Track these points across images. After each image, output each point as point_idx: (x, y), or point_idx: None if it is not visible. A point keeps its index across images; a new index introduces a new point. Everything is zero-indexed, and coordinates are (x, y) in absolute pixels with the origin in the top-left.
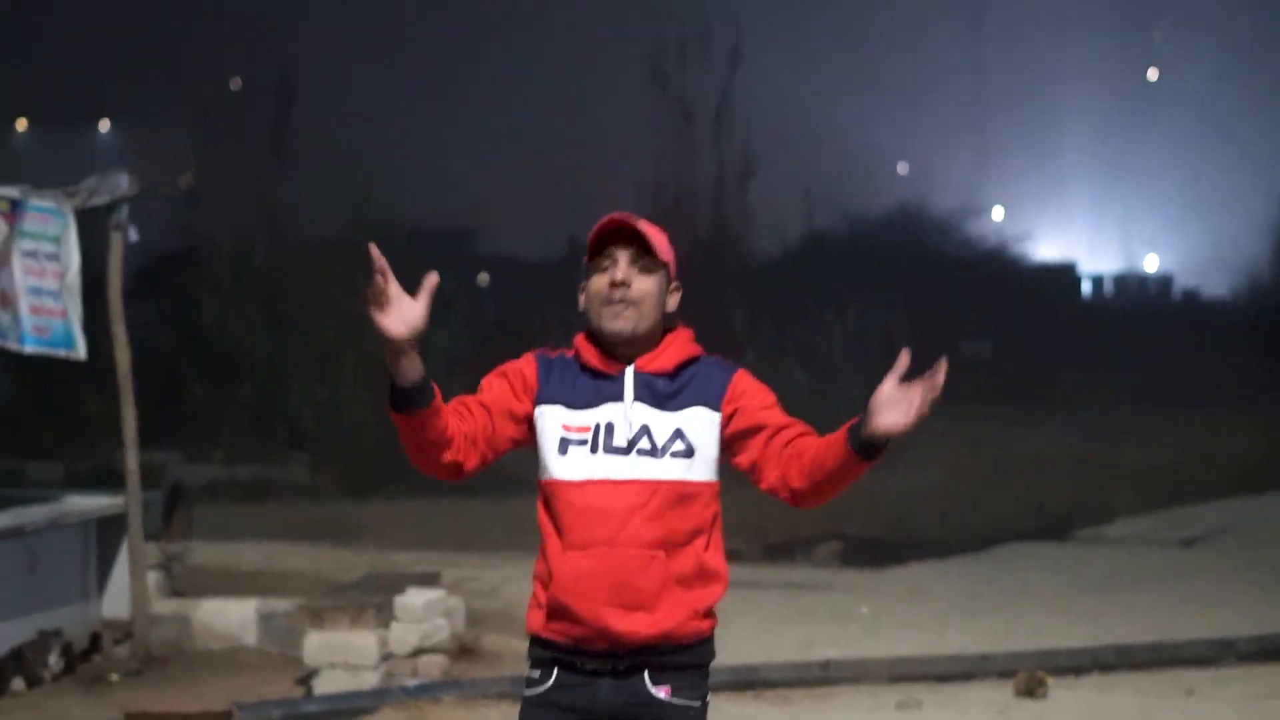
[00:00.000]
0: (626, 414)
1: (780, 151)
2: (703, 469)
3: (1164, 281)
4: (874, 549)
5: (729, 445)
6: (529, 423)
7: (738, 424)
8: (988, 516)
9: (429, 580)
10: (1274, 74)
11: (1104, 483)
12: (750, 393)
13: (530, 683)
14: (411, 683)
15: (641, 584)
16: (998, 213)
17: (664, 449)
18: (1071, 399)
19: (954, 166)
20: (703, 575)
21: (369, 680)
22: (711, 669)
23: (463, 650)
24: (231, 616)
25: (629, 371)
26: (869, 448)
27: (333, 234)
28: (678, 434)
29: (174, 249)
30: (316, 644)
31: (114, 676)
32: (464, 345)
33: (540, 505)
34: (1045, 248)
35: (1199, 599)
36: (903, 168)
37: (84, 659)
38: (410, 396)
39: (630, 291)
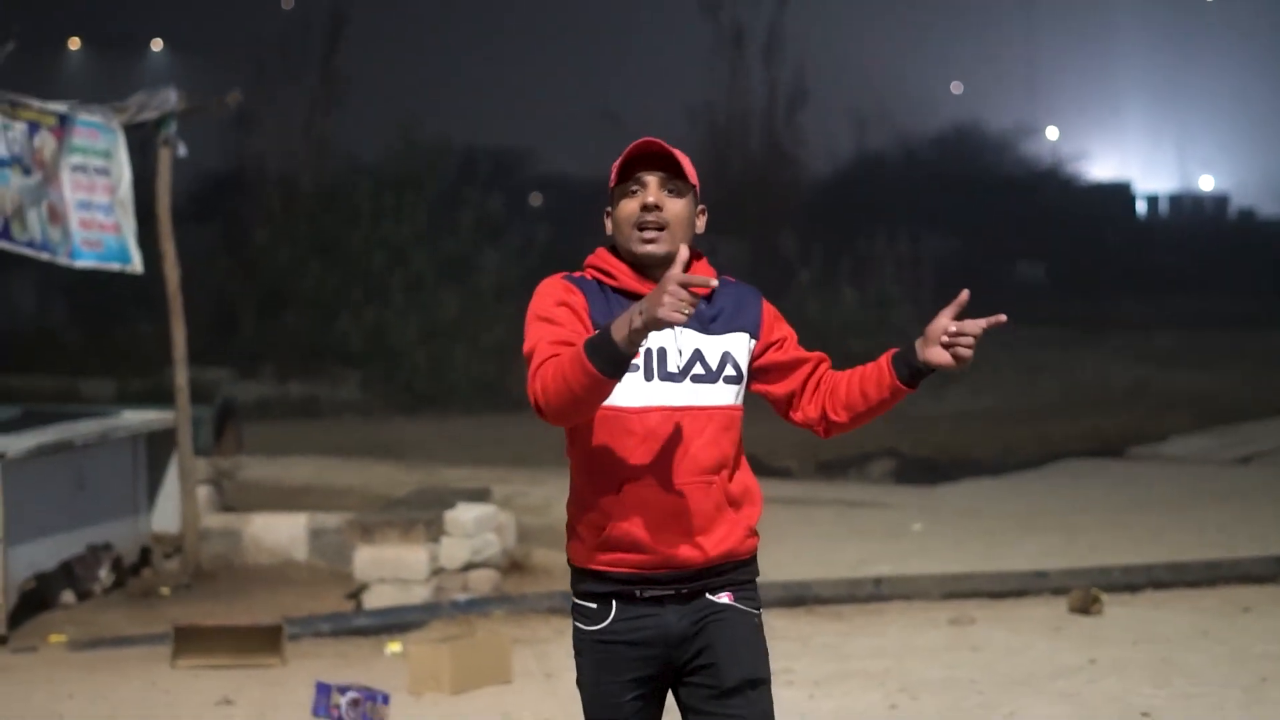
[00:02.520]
0: (676, 340)
1: (832, 73)
2: (743, 394)
3: (1219, 201)
4: (928, 467)
5: (758, 373)
6: None
7: (778, 356)
8: (1042, 436)
9: (479, 496)
10: None
11: (1160, 402)
12: (782, 322)
13: (584, 614)
14: (461, 598)
15: (703, 509)
16: (1052, 132)
17: (718, 373)
18: (1126, 320)
19: (1008, 86)
20: (748, 494)
21: (419, 595)
22: (764, 585)
23: (513, 565)
24: (282, 531)
25: None
26: (916, 376)
27: (382, 157)
28: (727, 358)
29: (224, 172)
30: (366, 559)
31: (164, 590)
32: (516, 267)
33: (580, 433)
34: (1100, 168)
35: (1255, 516)
36: (956, 87)
37: (134, 573)
38: (628, 362)
39: (663, 214)
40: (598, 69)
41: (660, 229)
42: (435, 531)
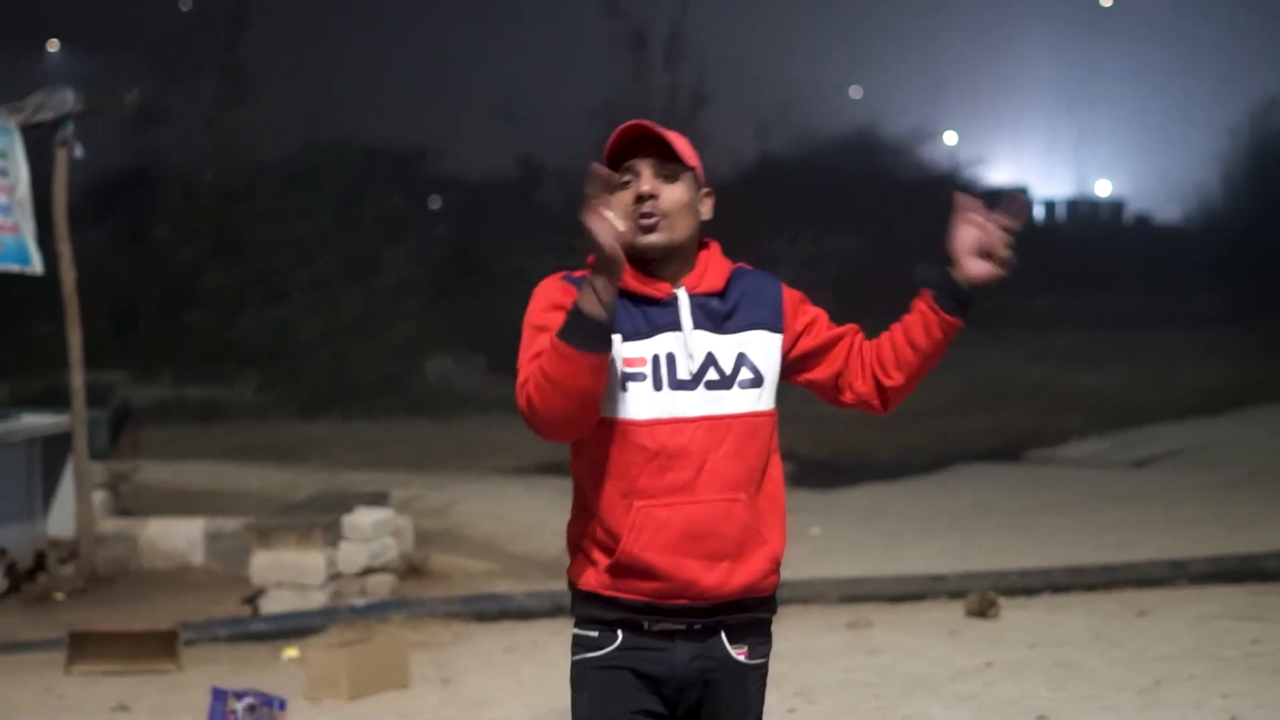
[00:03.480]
0: (687, 344)
1: (733, 75)
2: (768, 398)
3: (1116, 207)
4: (826, 470)
5: (796, 364)
6: None
7: (810, 342)
8: (941, 436)
9: (378, 500)
10: (1228, 1)
11: (1057, 406)
12: (807, 305)
13: (586, 643)
14: (360, 602)
15: (725, 530)
16: (950, 137)
17: (733, 378)
18: (1024, 323)
19: (907, 91)
20: (775, 512)
21: (317, 600)
22: None
23: (411, 570)
24: (179, 536)
25: (682, 295)
26: (964, 303)
27: (284, 155)
28: (742, 360)
29: (125, 170)
30: (264, 563)
31: (59, 595)
32: (415, 267)
33: (586, 446)
34: (998, 172)
35: (1151, 520)
36: (856, 92)
37: (29, 578)
38: (609, 330)
39: (659, 203)
40: (497, 68)
41: (659, 217)
42: (333, 536)
